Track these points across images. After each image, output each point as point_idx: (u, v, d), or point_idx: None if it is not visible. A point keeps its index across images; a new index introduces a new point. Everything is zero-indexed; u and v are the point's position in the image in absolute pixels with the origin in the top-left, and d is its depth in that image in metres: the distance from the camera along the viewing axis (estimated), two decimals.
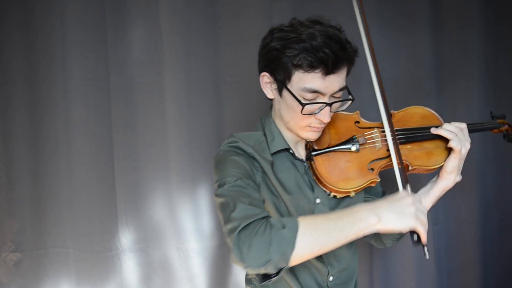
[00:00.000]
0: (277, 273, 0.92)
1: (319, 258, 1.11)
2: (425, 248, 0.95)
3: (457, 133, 1.08)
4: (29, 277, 1.60)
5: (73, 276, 1.60)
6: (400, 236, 1.24)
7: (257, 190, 1.03)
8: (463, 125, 1.11)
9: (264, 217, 0.93)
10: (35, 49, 1.55)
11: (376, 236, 1.27)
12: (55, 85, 1.56)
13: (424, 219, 0.94)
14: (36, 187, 1.58)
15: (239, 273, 1.68)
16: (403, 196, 0.96)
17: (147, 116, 1.61)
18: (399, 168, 1.03)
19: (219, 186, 1.02)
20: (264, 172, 1.08)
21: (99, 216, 1.60)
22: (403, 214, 0.92)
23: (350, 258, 1.19)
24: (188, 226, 1.64)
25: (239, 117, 1.64)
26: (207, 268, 1.66)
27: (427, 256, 0.96)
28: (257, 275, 0.92)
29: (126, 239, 1.62)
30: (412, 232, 0.95)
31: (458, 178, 1.12)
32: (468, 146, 1.09)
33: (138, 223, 1.62)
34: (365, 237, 1.30)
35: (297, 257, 0.90)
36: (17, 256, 1.59)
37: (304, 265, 1.08)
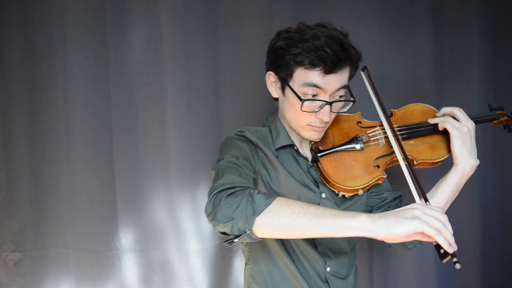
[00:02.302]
0: (238, 236, 0.90)
1: (315, 248, 1.14)
2: (454, 259, 0.81)
3: (450, 118, 1.11)
4: (29, 277, 1.59)
5: (73, 276, 1.60)
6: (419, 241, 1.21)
7: (251, 171, 1.05)
8: (456, 109, 1.13)
9: (248, 187, 0.93)
10: (35, 49, 1.55)
11: None
12: (55, 85, 1.56)
13: (437, 222, 0.82)
14: (36, 187, 1.58)
15: (239, 273, 1.68)
16: (411, 204, 0.88)
17: (147, 116, 1.61)
18: (405, 165, 1.03)
19: (216, 162, 1.06)
20: (268, 160, 1.11)
21: (99, 216, 1.60)
22: (404, 217, 0.83)
23: (347, 253, 1.20)
24: (188, 226, 1.64)
25: (239, 117, 1.64)
26: (207, 268, 1.66)
27: (458, 267, 0.80)
28: (222, 233, 0.93)
29: (126, 239, 1.62)
30: (438, 246, 0.83)
31: (475, 161, 1.11)
32: (470, 125, 1.11)
33: (138, 223, 1.62)
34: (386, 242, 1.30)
35: (261, 226, 0.87)
36: (17, 256, 1.59)
37: (304, 255, 1.13)
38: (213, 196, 0.92)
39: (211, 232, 1.66)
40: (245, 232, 0.89)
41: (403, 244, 1.26)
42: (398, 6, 1.70)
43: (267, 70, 1.13)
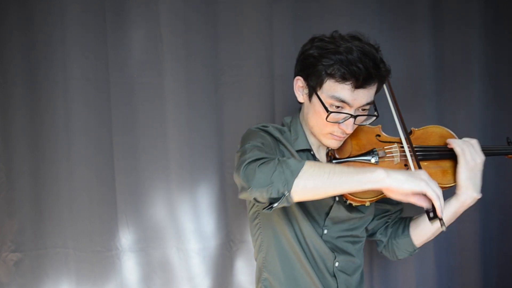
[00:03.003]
0: (277, 199, 0.95)
1: (326, 243, 1.19)
2: (442, 222, 0.96)
3: (465, 146, 1.14)
4: (29, 277, 1.59)
5: (73, 276, 1.60)
6: (413, 250, 1.31)
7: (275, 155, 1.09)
8: (473, 140, 1.17)
9: (276, 158, 0.98)
10: (35, 49, 1.55)
11: (389, 246, 1.35)
12: (55, 85, 1.56)
13: (438, 190, 0.95)
14: (36, 187, 1.58)
15: (239, 273, 1.68)
16: (418, 170, 1.00)
17: (147, 116, 1.61)
18: None
19: (240, 147, 1.09)
20: (290, 154, 1.16)
21: (99, 216, 1.59)
22: (414, 177, 0.94)
23: (354, 252, 1.26)
24: (188, 226, 1.64)
25: (239, 117, 1.64)
26: (207, 268, 1.66)
27: (444, 229, 0.98)
28: (260, 203, 0.99)
29: (126, 239, 1.62)
30: (428, 211, 0.97)
31: (476, 194, 1.16)
32: (478, 160, 1.14)
33: (138, 223, 1.62)
34: (377, 246, 1.40)
35: (298, 188, 0.93)
36: (17, 256, 1.59)
37: (315, 248, 1.18)
38: (244, 167, 0.96)
39: (211, 232, 1.66)
40: (284, 195, 0.93)
41: (393, 253, 1.35)
42: (398, 6, 1.70)
43: (296, 74, 1.16)
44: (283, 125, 1.25)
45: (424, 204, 0.97)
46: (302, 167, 0.94)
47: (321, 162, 1.00)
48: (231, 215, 1.66)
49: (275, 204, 0.95)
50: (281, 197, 0.94)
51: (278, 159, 0.96)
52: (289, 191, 0.93)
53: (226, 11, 1.62)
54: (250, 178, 0.95)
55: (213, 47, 1.62)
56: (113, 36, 1.58)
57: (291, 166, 0.94)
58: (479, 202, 1.79)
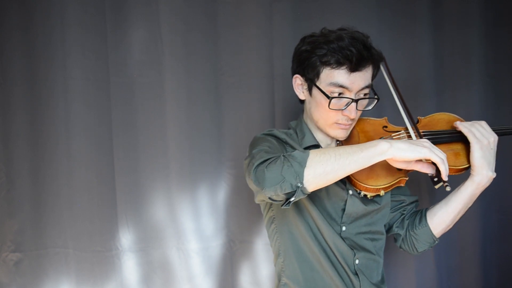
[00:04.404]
0: (293, 193, 0.97)
1: (344, 241, 1.18)
2: (446, 183, 0.98)
3: (473, 127, 1.15)
4: (29, 277, 1.59)
5: (73, 276, 1.60)
6: (433, 241, 1.29)
7: None
8: (482, 122, 1.18)
9: (280, 156, 1.00)
10: (35, 49, 1.55)
11: (407, 238, 1.33)
12: (55, 85, 1.56)
13: (441, 155, 0.97)
14: (36, 187, 1.58)
15: (239, 273, 1.68)
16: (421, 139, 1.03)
17: (147, 116, 1.61)
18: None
19: (248, 155, 1.11)
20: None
21: (99, 216, 1.59)
22: (417, 145, 0.97)
23: (374, 250, 1.25)
24: (188, 226, 1.64)
25: (239, 117, 1.64)
26: (207, 268, 1.66)
27: (449, 189, 1.00)
28: (277, 202, 1.02)
29: (126, 239, 1.62)
30: (432, 177, 1.01)
31: (492, 173, 1.16)
32: (492, 138, 1.14)
33: (138, 223, 1.62)
34: (395, 241, 1.38)
35: (310, 177, 0.95)
36: (17, 256, 1.59)
37: (336, 246, 1.18)
38: (254, 170, 0.99)
39: (211, 232, 1.66)
40: (298, 187, 0.95)
41: (412, 246, 1.32)
42: (398, 6, 1.70)
43: (294, 73, 1.20)
44: (289, 129, 1.28)
45: (429, 170, 1.00)
46: (308, 156, 0.96)
47: (323, 148, 1.03)
48: (231, 215, 1.66)
49: (292, 198, 0.97)
50: (296, 190, 0.96)
51: (283, 155, 0.98)
52: (301, 183, 0.95)
53: (226, 11, 1.62)
54: (261, 180, 0.97)
55: (213, 47, 1.62)
56: (113, 36, 1.58)
57: (297, 158, 0.96)
58: (479, 202, 1.81)
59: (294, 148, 1.17)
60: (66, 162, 1.57)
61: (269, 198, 1.00)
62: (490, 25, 1.74)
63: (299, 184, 0.95)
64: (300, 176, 0.95)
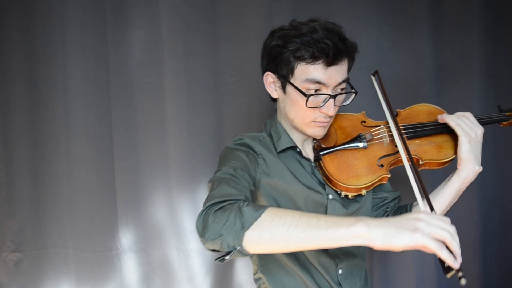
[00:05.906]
0: (229, 253, 0.85)
1: (325, 251, 1.11)
2: (460, 274, 0.74)
3: (460, 120, 1.09)
4: (29, 277, 1.59)
5: (73, 276, 1.60)
6: None
7: (249, 183, 1.01)
8: (467, 113, 1.11)
9: (240, 200, 0.88)
10: (35, 49, 1.55)
11: None
12: (55, 85, 1.56)
13: (444, 235, 0.75)
14: (36, 187, 1.58)
15: (239, 273, 1.68)
16: (415, 212, 0.82)
17: (147, 116, 1.61)
18: (409, 165, 1.00)
19: (215, 172, 1.02)
20: (270, 166, 1.08)
21: (99, 216, 1.60)
22: (405, 228, 0.77)
23: (358, 252, 1.18)
24: (188, 226, 1.64)
25: (239, 117, 1.64)
26: (207, 268, 1.65)
27: (463, 282, 0.73)
28: (212, 250, 0.89)
29: (126, 239, 1.62)
30: (442, 260, 0.76)
31: (478, 167, 1.09)
32: (479, 131, 1.09)
33: (138, 223, 1.62)
34: None
35: (252, 241, 0.82)
36: (17, 256, 1.59)
37: (316, 260, 1.09)
38: (203, 212, 0.87)
39: None
40: (235, 249, 0.83)
41: None
42: (398, 6, 1.70)
43: (264, 71, 1.11)
44: (262, 131, 1.18)
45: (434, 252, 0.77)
46: (259, 217, 0.82)
47: (287, 210, 0.85)
48: None
49: (227, 257, 0.86)
50: (232, 250, 0.84)
51: (239, 205, 0.85)
52: (240, 245, 0.82)
53: (226, 11, 1.62)
54: (204, 227, 0.85)
55: (213, 47, 1.62)
56: (113, 36, 1.58)
57: (244, 217, 0.82)
58: (479, 202, 1.81)
59: (265, 160, 1.07)
60: (66, 162, 1.57)
61: (210, 250, 0.88)
62: (490, 25, 1.75)
63: (237, 246, 0.83)
64: (239, 238, 0.82)
